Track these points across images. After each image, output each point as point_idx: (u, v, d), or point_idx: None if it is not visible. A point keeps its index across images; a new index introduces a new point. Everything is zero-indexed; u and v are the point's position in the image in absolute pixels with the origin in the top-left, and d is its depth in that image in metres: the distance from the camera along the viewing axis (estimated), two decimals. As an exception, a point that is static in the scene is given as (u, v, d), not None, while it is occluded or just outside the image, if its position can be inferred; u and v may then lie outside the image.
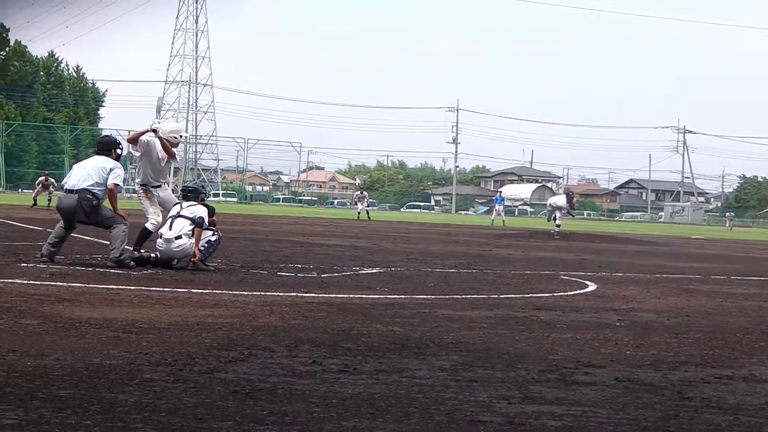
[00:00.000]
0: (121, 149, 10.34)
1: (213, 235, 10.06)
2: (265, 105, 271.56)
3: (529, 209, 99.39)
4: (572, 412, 3.84)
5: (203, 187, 11.14)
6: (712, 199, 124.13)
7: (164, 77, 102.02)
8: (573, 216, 27.96)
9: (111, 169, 9.68)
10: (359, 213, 41.27)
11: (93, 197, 9.54)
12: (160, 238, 9.85)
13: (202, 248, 9.81)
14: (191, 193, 10.28)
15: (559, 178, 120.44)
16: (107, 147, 10.04)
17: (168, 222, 9.90)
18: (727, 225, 66.51)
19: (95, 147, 10.34)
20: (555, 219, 25.71)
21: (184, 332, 5.45)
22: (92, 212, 9.60)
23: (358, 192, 44.67)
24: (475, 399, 4.02)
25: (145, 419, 3.43)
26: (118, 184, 9.68)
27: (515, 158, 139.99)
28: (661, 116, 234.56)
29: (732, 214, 76.11)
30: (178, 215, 9.92)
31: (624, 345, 5.80)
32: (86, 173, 9.67)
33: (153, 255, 9.76)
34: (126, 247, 9.58)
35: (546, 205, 28.78)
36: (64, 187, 9.93)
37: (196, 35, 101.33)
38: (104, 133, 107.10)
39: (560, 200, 26.55)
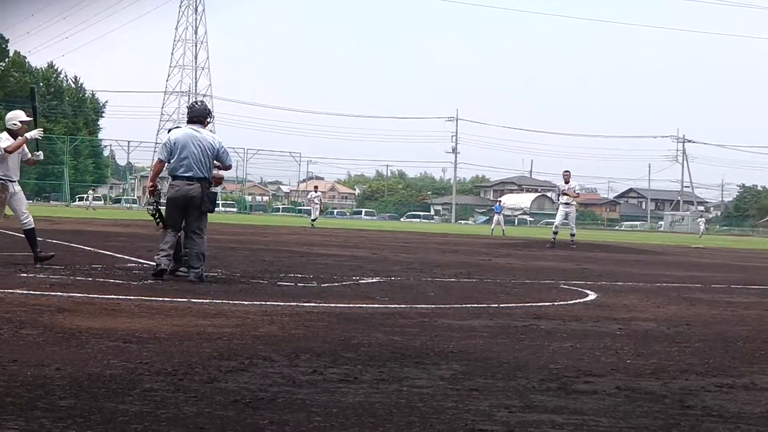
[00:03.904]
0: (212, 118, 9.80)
1: None
2: (265, 115, 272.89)
3: (528, 219, 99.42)
4: (573, 421, 3.84)
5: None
6: (712, 209, 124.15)
7: (164, 88, 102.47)
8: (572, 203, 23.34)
9: (219, 150, 9.27)
10: (314, 220, 37.48)
11: (211, 189, 9.24)
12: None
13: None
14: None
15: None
16: (203, 116, 9.52)
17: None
18: (700, 231, 62.36)
19: (188, 116, 9.64)
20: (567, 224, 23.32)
21: (184, 342, 5.45)
22: (213, 203, 9.29)
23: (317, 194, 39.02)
24: (475, 408, 4.02)
25: (145, 429, 3.42)
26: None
27: (515, 168, 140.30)
28: (661, 126, 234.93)
29: (704, 219, 70.90)
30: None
31: (624, 354, 5.80)
32: (200, 159, 9.16)
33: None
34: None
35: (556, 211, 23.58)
36: (177, 173, 9.21)
37: (196, 46, 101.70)
38: (104, 143, 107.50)
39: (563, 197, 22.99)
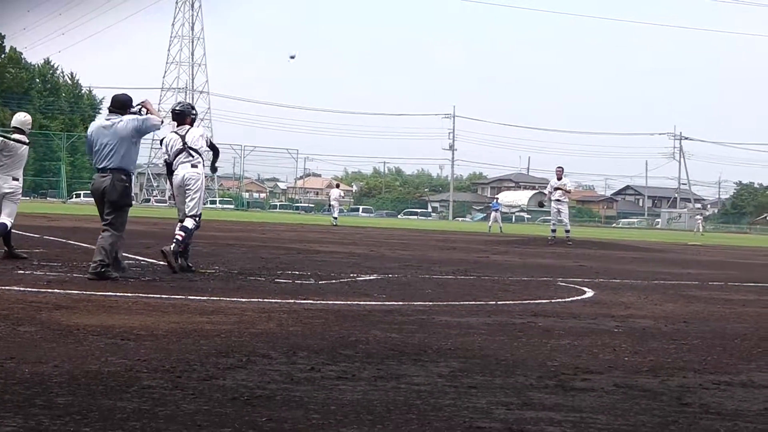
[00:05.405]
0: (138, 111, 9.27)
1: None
2: (262, 112, 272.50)
3: (526, 216, 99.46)
4: (571, 419, 3.84)
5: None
6: (709, 206, 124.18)
7: (160, 84, 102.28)
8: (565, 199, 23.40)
9: (134, 128, 8.86)
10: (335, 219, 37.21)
11: (127, 179, 8.87)
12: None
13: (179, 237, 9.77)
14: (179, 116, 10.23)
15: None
16: (120, 106, 9.07)
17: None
18: (698, 229, 57.55)
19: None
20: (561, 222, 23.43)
21: (182, 339, 5.45)
22: (122, 195, 8.78)
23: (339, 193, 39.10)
24: (473, 405, 4.02)
25: (143, 426, 3.42)
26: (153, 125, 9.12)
27: (512, 165, 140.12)
28: (658, 123, 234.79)
29: (701, 216, 64.95)
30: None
31: (622, 351, 5.80)
32: (112, 148, 8.81)
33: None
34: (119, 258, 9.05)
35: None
36: (96, 166, 9.04)
37: (192, 42, 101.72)
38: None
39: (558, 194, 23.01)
